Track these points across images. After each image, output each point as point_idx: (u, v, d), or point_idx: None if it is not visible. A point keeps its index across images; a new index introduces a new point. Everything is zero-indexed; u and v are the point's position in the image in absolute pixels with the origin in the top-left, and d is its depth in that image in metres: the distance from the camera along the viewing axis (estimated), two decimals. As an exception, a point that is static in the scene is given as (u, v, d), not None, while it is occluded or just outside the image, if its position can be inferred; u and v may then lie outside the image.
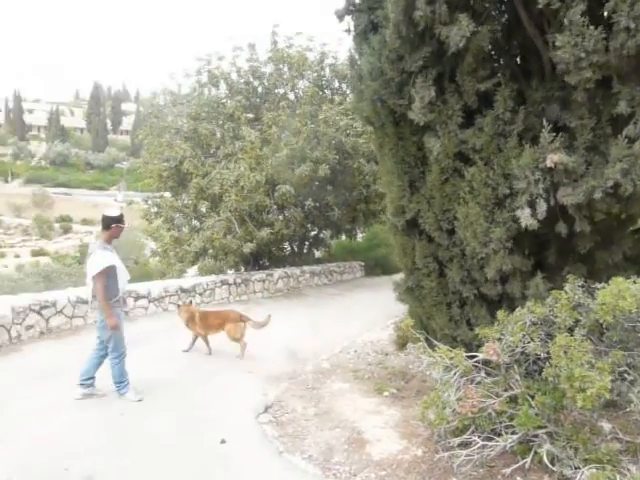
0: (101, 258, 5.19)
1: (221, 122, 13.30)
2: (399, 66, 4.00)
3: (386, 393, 5.47)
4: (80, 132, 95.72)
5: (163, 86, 14.37)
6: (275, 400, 5.43)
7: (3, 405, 5.05)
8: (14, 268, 40.64)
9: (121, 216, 5.44)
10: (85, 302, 8.17)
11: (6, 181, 76.28)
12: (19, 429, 4.60)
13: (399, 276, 13.82)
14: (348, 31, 4.86)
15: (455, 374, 4.05)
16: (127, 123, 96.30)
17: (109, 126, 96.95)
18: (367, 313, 10.39)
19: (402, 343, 7.19)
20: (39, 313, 7.57)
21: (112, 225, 5.34)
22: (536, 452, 3.78)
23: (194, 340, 7.12)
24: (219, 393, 5.58)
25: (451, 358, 4.03)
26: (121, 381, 5.35)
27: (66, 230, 61.76)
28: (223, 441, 4.41)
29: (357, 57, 4.69)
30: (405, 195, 4.29)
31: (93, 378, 5.38)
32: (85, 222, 64.34)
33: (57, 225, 62.41)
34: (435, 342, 4.54)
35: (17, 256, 51.48)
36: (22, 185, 74.08)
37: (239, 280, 11.30)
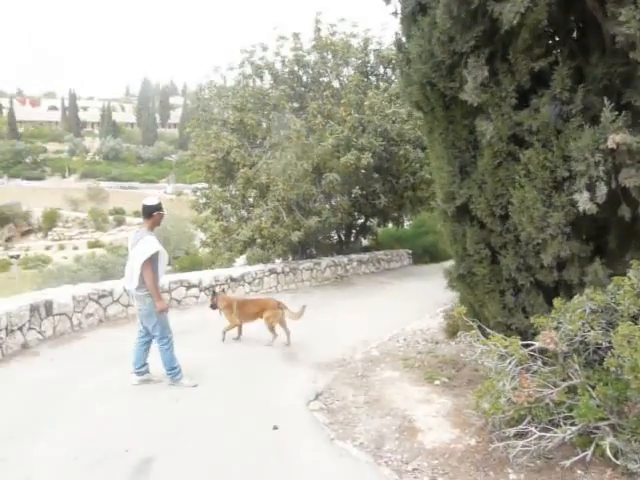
0: (150, 244, 5.30)
1: (266, 112, 13.38)
2: (450, 47, 3.87)
3: (437, 382, 5.40)
4: (131, 127, 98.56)
5: (208, 79, 14.49)
6: (325, 387, 5.45)
7: (69, 388, 5.28)
8: (72, 259, 42.49)
9: (160, 204, 5.58)
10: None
11: (64, 176, 79.56)
12: (83, 411, 4.80)
13: (449, 263, 13.66)
14: (395, 14, 4.75)
15: (510, 363, 3.94)
16: (175, 116, 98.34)
17: (158, 120, 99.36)
18: (415, 301, 10.29)
19: (452, 331, 7.06)
20: (97, 302, 7.86)
21: (154, 213, 5.47)
22: (598, 445, 3.63)
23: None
24: (270, 380, 5.66)
25: (506, 346, 3.92)
26: (173, 367, 5.45)
27: (119, 222, 63.84)
28: (275, 427, 4.47)
29: (404, 40, 4.58)
30: (455, 180, 4.17)
31: (146, 364, 5.54)
32: (137, 214, 66.23)
33: (111, 218, 64.60)
34: (488, 330, 4.42)
35: (75, 248, 53.81)
36: (78, 180, 77.10)
37: (287, 269, 11.39)
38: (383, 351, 6.70)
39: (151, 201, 5.57)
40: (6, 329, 6.19)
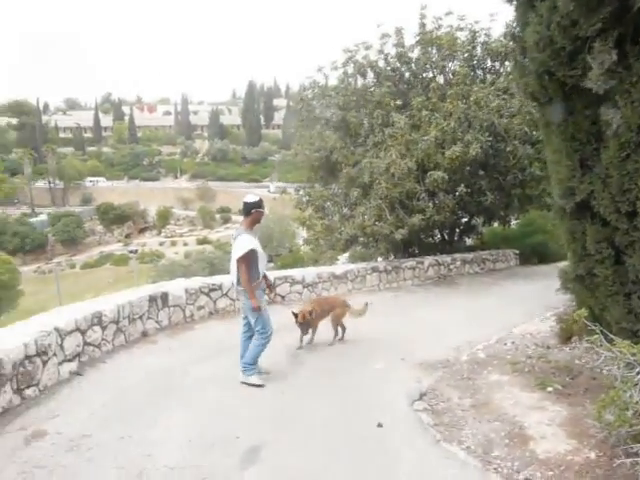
0: (245, 242, 5.38)
1: (369, 110, 13.36)
2: (572, 33, 3.61)
3: (550, 389, 5.08)
4: (237, 129, 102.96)
5: (311, 79, 14.72)
6: (429, 388, 5.34)
7: (183, 375, 5.64)
8: (183, 255, 45.32)
9: (260, 201, 5.60)
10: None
11: (176, 177, 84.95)
12: (196, 397, 5.10)
13: (563, 264, 12.86)
14: (510, 1, 4.52)
15: (639, 372, 3.62)
16: (278, 118, 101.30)
17: (262, 121, 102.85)
18: (523, 303, 9.80)
19: (566, 336, 6.64)
20: (208, 295, 8.28)
21: (252, 211, 5.52)
22: None
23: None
24: (372, 378, 5.65)
25: (634, 354, 3.60)
26: (250, 363, 5.44)
27: (226, 220, 66.97)
28: (380, 425, 4.45)
29: (518, 29, 4.34)
30: (575, 175, 3.87)
31: None
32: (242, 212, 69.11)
33: (218, 216, 67.96)
34: (610, 336, 4.08)
35: (185, 244, 57.35)
36: (188, 180, 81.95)
37: (389, 267, 11.31)
38: (490, 354, 6.44)
39: (251, 198, 5.55)
40: (128, 318, 6.71)
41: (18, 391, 4.64)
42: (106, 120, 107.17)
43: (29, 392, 4.77)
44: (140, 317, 7.00)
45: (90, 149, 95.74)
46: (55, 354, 5.15)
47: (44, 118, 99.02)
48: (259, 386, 5.35)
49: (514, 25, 4.24)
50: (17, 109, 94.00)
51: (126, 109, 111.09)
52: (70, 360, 5.45)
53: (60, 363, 5.28)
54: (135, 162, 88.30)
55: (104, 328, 6.18)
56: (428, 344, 6.99)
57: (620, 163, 4.04)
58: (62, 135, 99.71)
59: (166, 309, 7.56)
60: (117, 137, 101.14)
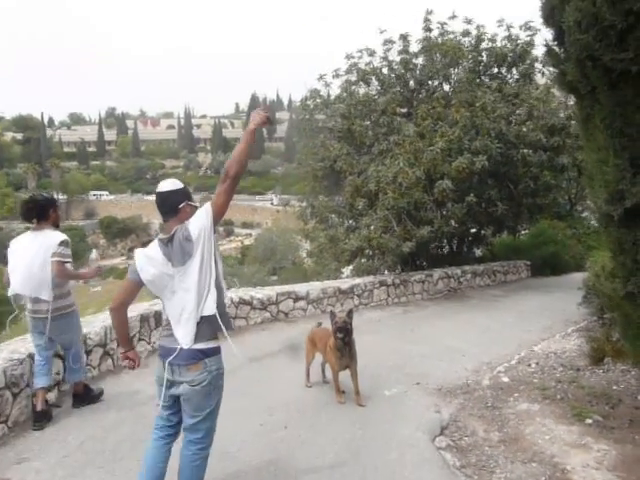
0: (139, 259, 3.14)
1: (374, 119, 12.89)
2: (623, 7, 3.08)
3: (588, 420, 4.48)
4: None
5: (313, 87, 14.24)
6: (450, 419, 4.74)
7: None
8: (186, 268, 44.79)
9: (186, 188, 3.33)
10: (247, 303, 8.23)
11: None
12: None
13: (577, 275, 12.23)
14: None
15: None
16: (281, 130, 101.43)
17: (265, 134, 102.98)
18: (540, 318, 9.27)
19: (598, 357, 6.05)
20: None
21: (180, 205, 3.12)
22: None
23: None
24: (385, 408, 5.02)
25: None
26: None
27: (229, 233, 66.70)
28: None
29: (551, 13, 3.80)
30: (625, 176, 3.32)
31: None
32: (245, 225, 69.03)
33: (221, 229, 67.66)
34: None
35: (188, 257, 56.88)
36: (192, 193, 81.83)
37: (398, 281, 10.74)
38: (514, 377, 5.84)
39: (172, 184, 3.16)
40: (117, 339, 6.16)
41: (-17, 429, 4.08)
42: (110, 134, 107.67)
43: (-4, 430, 4.20)
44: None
45: (94, 163, 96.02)
46: (28, 385, 4.58)
47: (48, 133, 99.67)
48: None
49: (548, 5, 3.67)
50: (22, 124, 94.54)
51: (130, 123, 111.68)
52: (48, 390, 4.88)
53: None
54: (138, 176, 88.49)
55: (89, 352, 5.61)
56: (444, 365, 6.41)
57: (682, 162, 3.45)
58: (66, 149, 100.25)
59: (160, 329, 6.98)
60: (121, 151, 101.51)
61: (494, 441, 4.29)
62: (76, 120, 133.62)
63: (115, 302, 3.02)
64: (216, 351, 2.96)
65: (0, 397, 4.22)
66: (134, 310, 6.87)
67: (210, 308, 2.90)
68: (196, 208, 3.10)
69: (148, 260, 2.95)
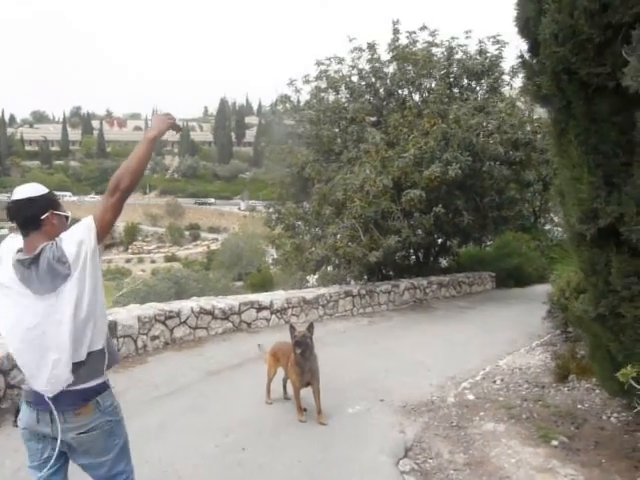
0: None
1: (343, 126, 12.77)
2: (602, 20, 2.97)
3: (554, 442, 4.36)
4: (208, 145, 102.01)
5: (282, 93, 14.07)
6: (415, 440, 4.56)
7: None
8: (150, 272, 43.93)
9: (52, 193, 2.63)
10: (208, 313, 7.94)
11: (144, 193, 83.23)
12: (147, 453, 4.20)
13: (539, 287, 12.29)
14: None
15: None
16: (250, 135, 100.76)
17: (233, 139, 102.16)
18: (504, 331, 9.24)
19: (562, 374, 6.00)
20: (164, 323, 7.40)
21: (43, 216, 2.54)
22: None
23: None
24: (347, 428, 4.80)
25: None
26: None
27: (195, 237, 65.70)
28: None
29: (526, 24, 3.69)
30: (600, 195, 3.19)
31: None
32: (211, 230, 68.17)
33: (187, 233, 66.68)
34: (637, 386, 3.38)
35: (153, 261, 55.85)
36: (158, 196, 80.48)
37: (363, 291, 10.59)
38: (479, 394, 5.72)
39: (36, 189, 2.47)
40: (67, 351, 5.76)
41: None
42: (75, 134, 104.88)
43: None
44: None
45: (57, 163, 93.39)
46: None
47: (9, 130, 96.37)
48: None
49: (522, 16, 3.55)
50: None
51: (96, 123, 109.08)
52: (-16, 409, 4.51)
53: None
54: (103, 177, 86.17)
55: (33, 366, 5.22)
56: (408, 380, 6.25)
57: (659, 181, 3.34)
58: (28, 148, 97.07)
59: (114, 340, 6.64)
60: (85, 151, 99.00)
61: (459, 464, 4.13)
62: (39, 118, 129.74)
63: None
64: (106, 386, 2.49)
65: None
66: None
67: (99, 342, 2.40)
68: (66, 218, 2.51)
69: None
